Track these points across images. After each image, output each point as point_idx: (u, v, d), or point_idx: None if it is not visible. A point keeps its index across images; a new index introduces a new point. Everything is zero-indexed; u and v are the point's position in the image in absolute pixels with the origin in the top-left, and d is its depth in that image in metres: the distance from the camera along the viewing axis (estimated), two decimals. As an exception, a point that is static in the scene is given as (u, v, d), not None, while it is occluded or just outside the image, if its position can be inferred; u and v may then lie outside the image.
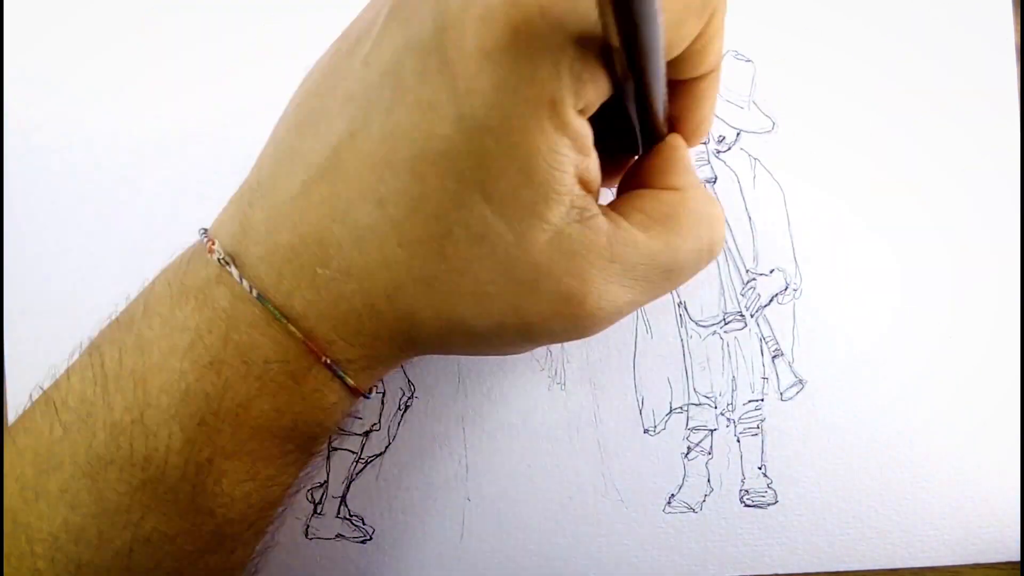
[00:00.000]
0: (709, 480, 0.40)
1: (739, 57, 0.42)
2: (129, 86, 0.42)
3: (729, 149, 0.42)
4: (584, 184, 0.26)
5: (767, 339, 0.41)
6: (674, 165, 0.29)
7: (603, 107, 0.26)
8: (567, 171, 0.24)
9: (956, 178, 0.41)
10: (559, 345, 0.41)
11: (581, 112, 0.24)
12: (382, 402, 0.40)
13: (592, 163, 0.26)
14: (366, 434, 0.40)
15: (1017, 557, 0.40)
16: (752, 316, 0.41)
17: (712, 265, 0.41)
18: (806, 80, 0.42)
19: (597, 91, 0.24)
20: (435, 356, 0.40)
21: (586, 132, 0.25)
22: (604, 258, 0.26)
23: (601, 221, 0.26)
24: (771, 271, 0.41)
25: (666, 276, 0.28)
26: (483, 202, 0.24)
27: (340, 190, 0.25)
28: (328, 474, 0.40)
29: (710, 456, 0.40)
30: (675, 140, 0.30)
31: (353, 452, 0.40)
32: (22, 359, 0.41)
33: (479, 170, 0.24)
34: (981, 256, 0.41)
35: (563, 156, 0.24)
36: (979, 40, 0.42)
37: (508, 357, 0.40)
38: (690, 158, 0.30)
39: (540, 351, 0.41)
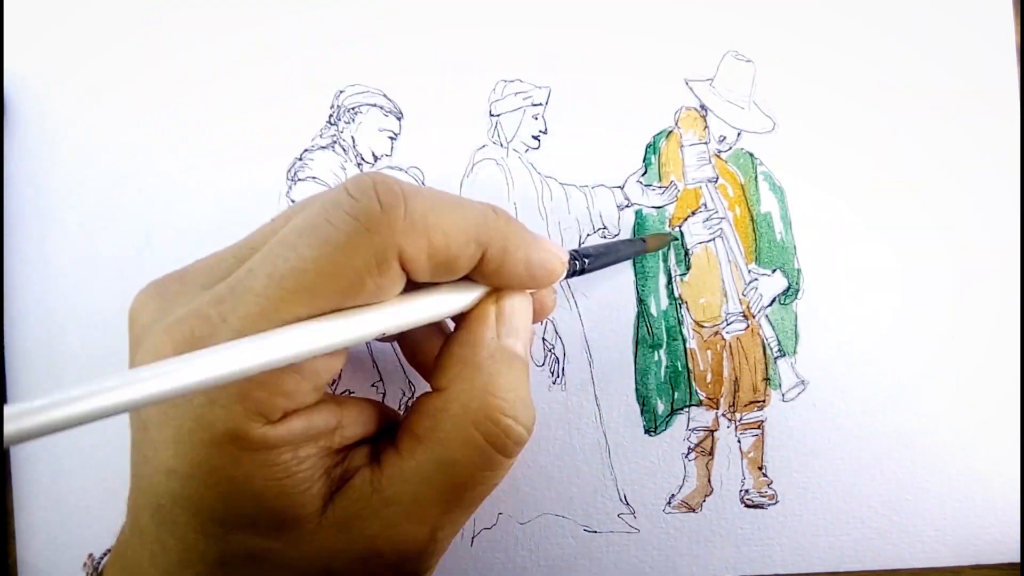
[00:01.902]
0: (709, 480, 0.40)
1: (739, 57, 0.42)
2: (130, 86, 0.42)
3: (730, 149, 0.42)
4: (327, 456, 0.26)
5: (769, 340, 0.41)
6: (441, 362, 0.28)
7: None
8: (295, 473, 0.24)
9: (956, 178, 0.41)
10: (560, 345, 0.41)
11: (285, 418, 0.24)
12: (382, 402, 0.40)
13: (330, 437, 0.26)
14: (366, 434, 0.40)
15: (1017, 558, 0.40)
16: (754, 316, 0.41)
17: (714, 265, 0.41)
18: (806, 80, 0.42)
19: (293, 398, 0.24)
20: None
21: (296, 429, 0.25)
22: (377, 508, 0.25)
23: (360, 480, 0.26)
24: (773, 271, 0.41)
25: (460, 489, 0.27)
26: (238, 531, 0.24)
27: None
28: (328, 474, 0.40)
29: (710, 457, 0.40)
30: (448, 338, 0.29)
31: (353, 452, 0.40)
32: (22, 359, 0.40)
33: (215, 508, 0.24)
34: (981, 256, 0.41)
35: (276, 467, 0.24)
36: (979, 40, 0.42)
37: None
38: (463, 352, 0.28)
39: (540, 351, 0.41)
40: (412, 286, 0.26)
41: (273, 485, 0.24)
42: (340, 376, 0.41)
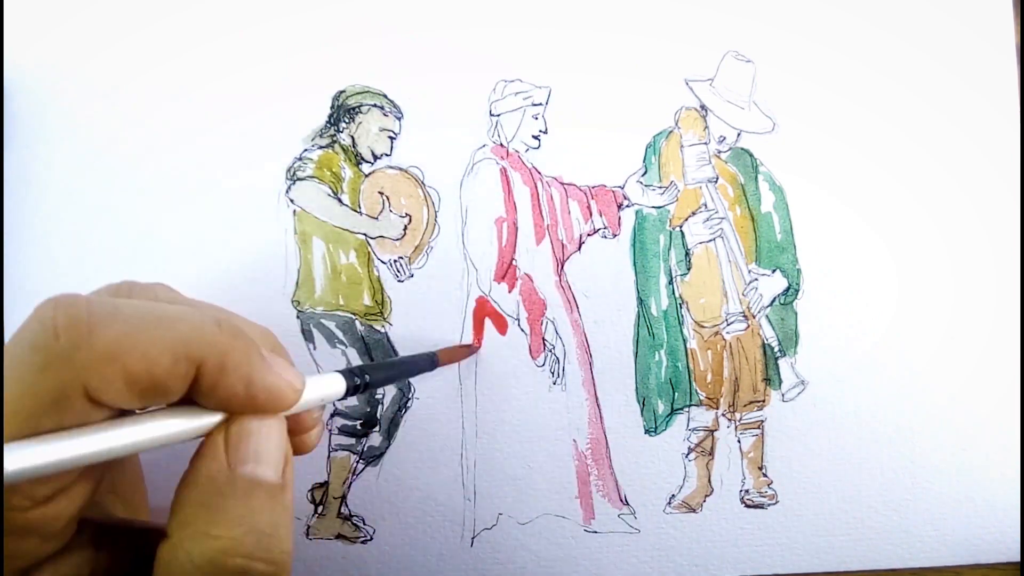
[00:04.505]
0: (710, 480, 0.40)
1: (739, 57, 0.42)
2: (129, 86, 0.41)
3: (730, 149, 0.42)
4: None
5: (769, 340, 0.41)
6: (172, 505, 0.25)
7: None
8: None
9: (956, 178, 0.41)
10: (560, 345, 0.40)
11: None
12: (382, 403, 0.40)
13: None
14: (366, 434, 0.40)
15: (1017, 557, 0.40)
16: (754, 316, 0.41)
17: (714, 265, 0.41)
18: (806, 80, 0.42)
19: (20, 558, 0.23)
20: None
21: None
22: None
23: None
24: (773, 271, 0.41)
25: None
26: None
27: None
28: (328, 475, 0.40)
29: (710, 457, 0.40)
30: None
31: (353, 453, 0.40)
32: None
33: None
34: (981, 256, 0.41)
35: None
36: (979, 40, 0.42)
37: (509, 356, 0.40)
38: (187, 493, 0.24)
39: (540, 352, 0.41)
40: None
41: None
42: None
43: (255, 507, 0.24)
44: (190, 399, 0.24)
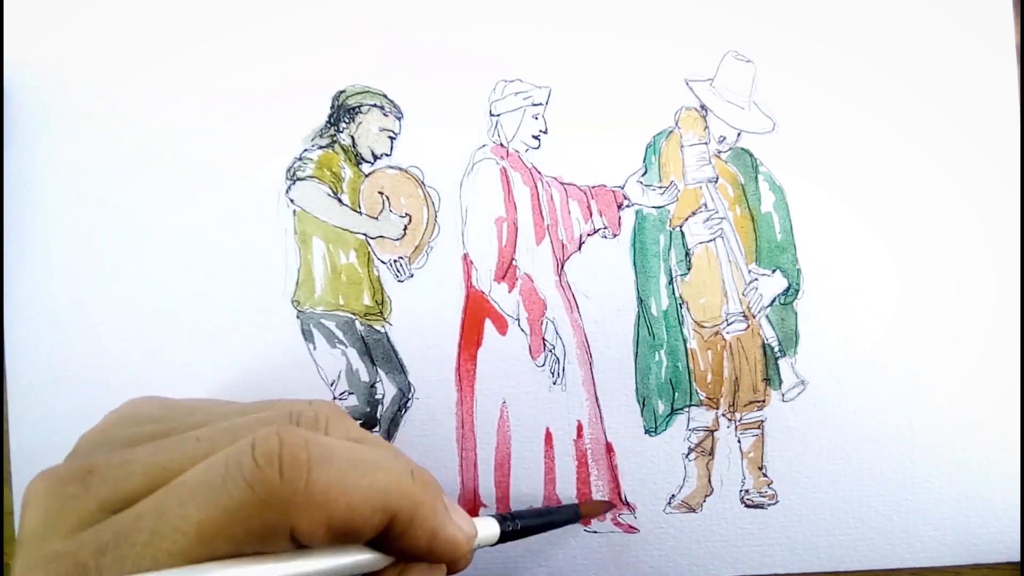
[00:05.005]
0: (710, 480, 0.40)
1: (739, 58, 0.42)
2: (130, 86, 0.41)
3: (730, 149, 0.42)
4: None
5: (769, 340, 0.41)
6: None
7: None
8: None
9: (956, 178, 0.41)
10: (560, 345, 0.41)
11: None
12: (382, 403, 0.40)
13: None
14: (366, 434, 0.40)
15: (1017, 557, 0.40)
16: (754, 316, 0.41)
17: (714, 265, 0.41)
18: (806, 80, 0.42)
19: None
20: (433, 358, 0.40)
21: None
22: None
23: None
24: (773, 271, 0.41)
25: None
26: None
27: None
28: (328, 475, 0.40)
29: (710, 457, 0.40)
30: None
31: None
32: (22, 359, 0.40)
33: None
34: (981, 256, 0.41)
35: None
36: (979, 40, 0.42)
37: (509, 357, 0.41)
38: None
39: (540, 352, 0.41)
40: None
41: None
42: (340, 376, 0.41)
43: None
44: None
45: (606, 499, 0.40)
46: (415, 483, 0.25)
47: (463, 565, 0.29)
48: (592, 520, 0.40)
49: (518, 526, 0.32)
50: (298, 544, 0.23)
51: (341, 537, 0.23)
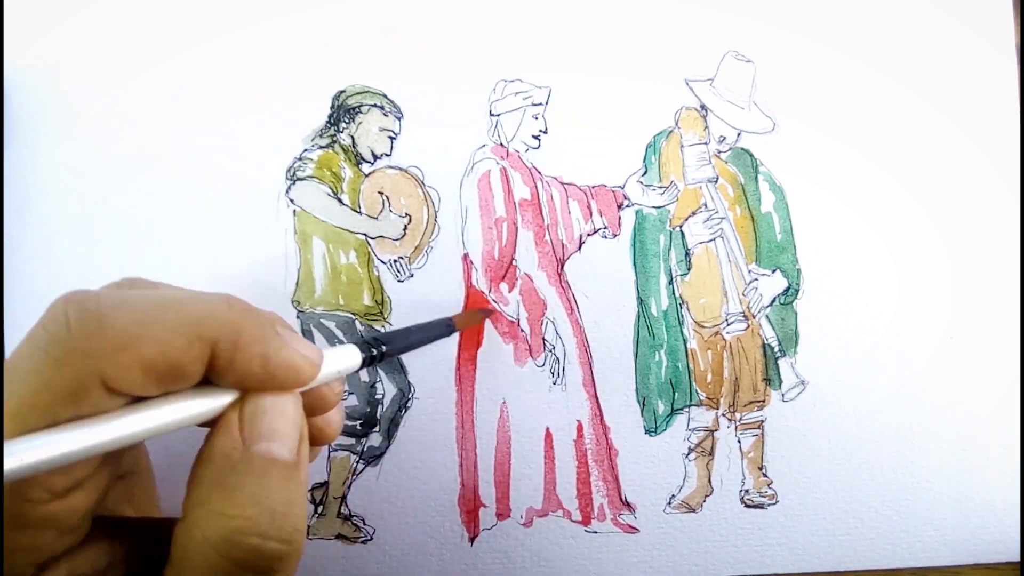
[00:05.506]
0: (710, 480, 0.40)
1: (739, 58, 0.42)
2: (130, 86, 0.41)
3: (730, 149, 0.42)
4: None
5: (769, 340, 0.41)
6: (188, 485, 0.25)
7: None
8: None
9: (956, 178, 0.41)
10: (560, 345, 0.40)
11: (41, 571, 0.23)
12: (382, 403, 0.40)
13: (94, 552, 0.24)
14: (366, 434, 0.40)
15: (1017, 557, 0.40)
16: (754, 316, 0.41)
17: (714, 265, 0.41)
18: (806, 80, 0.42)
19: (37, 551, 0.23)
20: (434, 358, 0.40)
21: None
22: None
23: None
24: (773, 271, 0.41)
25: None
26: None
27: None
28: (328, 475, 0.40)
29: (710, 457, 0.40)
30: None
31: (353, 453, 0.40)
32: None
33: None
34: (981, 256, 0.41)
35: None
36: (979, 40, 0.42)
37: (508, 359, 0.40)
38: (202, 472, 0.24)
39: (540, 351, 0.41)
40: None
41: None
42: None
43: (269, 486, 0.24)
44: (208, 380, 0.24)
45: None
46: (231, 310, 0.24)
47: (330, 400, 0.28)
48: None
49: (382, 350, 0.30)
50: (129, 398, 0.22)
51: (165, 378, 0.23)
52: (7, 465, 0.19)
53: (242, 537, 0.23)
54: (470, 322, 0.39)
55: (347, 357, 0.28)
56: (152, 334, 0.22)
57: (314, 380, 0.26)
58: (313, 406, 0.27)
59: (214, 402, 0.24)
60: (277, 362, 0.24)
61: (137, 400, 0.23)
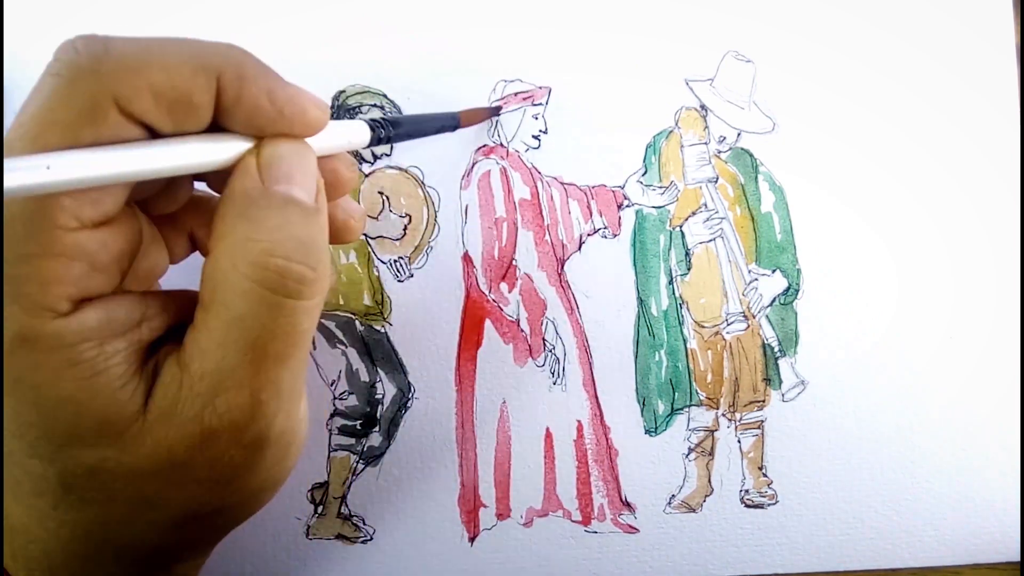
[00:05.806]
0: (710, 480, 0.40)
1: (739, 57, 0.42)
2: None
3: (730, 149, 0.42)
4: (137, 351, 0.25)
5: (769, 340, 0.41)
6: (212, 225, 0.25)
7: None
8: (105, 370, 0.24)
9: (956, 178, 0.41)
10: (560, 345, 0.40)
11: (77, 309, 0.23)
12: (382, 403, 0.40)
13: (137, 331, 0.25)
14: (366, 434, 0.40)
15: (1017, 557, 0.40)
16: (754, 316, 0.41)
17: (714, 265, 0.41)
18: (806, 80, 0.42)
19: (74, 283, 0.23)
20: (433, 358, 0.40)
21: (93, 322, 0.23)
22: (191, 387, 0.24)
23: (169, 365, 0.25)
24: (773, 271, 0.41)
25: (260, 344, 0.24)
26: (66, 447, 0.24)
27: None
28: (328, 475, 0.40)
29: (710, 457, 0.40)
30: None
31: (353, 453, 0.40)
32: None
33: (34, 424, 0.24)
34: (981, 257, 0.41)
35: (83, 366, 0.23)
36: (979, 40, 0.42)
37: (508, 359, 0.40)
38: (226, 209, 0.25)
39: (540, 351, 0.41)
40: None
41: (84, 387, 0.23)
42: (340, 376, 0.41)
43: (291, 219, 0.25)
44: (221, 128, 0.25)
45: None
46: (234, 49, 0.25)
47: (344, 177, 0.29)
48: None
49: (390, 132, 0.31)
50: (146, 132, 0.23)
51: (175, 107, 0.23)
52: (28, 179, 0.20)
53: (268, 258, 0.24)
54: (476, 119, 0.40)
55: (357, 131, 0.29)
56: (158, 61, 0.23)
57: (324, 147, 0.27)
58: (329, 183, 0.28)
59: (231, 147, 0.25)
60: (283, 96, 0.25)
61: (155, 137, 0.23)
